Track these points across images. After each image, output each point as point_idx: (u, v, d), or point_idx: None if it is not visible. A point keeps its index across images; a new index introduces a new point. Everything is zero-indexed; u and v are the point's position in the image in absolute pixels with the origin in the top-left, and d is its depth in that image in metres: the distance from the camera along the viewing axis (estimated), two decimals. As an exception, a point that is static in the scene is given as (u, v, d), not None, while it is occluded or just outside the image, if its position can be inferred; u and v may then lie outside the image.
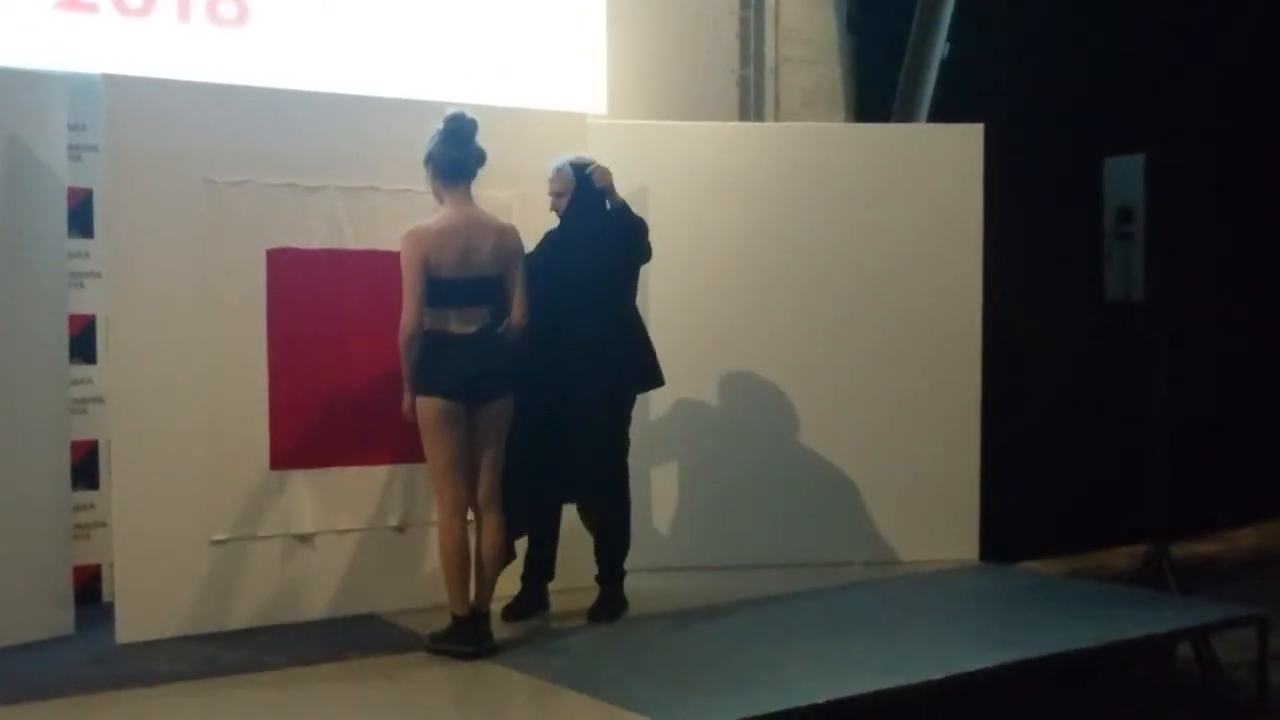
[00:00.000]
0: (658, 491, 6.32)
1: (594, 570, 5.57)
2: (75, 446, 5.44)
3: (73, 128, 5.38)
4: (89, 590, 5.64)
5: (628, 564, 5.60)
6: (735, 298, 6.45)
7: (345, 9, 5.97)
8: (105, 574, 5.64)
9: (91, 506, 5.72)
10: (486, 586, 4.99)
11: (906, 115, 7.40)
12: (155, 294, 5.13)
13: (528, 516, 5.39)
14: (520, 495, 5.18)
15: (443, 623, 4.99)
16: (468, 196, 5.00)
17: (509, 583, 5.35)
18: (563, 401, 5.32)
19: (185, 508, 5.17)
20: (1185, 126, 7.58)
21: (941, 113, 7.18)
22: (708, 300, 6.42)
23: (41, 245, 5.15)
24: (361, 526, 5.53)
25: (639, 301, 5.58)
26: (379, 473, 5.54)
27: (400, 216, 5.13)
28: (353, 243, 5.47)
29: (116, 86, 5.10)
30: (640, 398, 5.67)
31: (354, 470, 5.50)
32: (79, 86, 5.30)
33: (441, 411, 4.87)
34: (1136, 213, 6.02)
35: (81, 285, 5.66)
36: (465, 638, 4.91)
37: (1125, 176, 6.09)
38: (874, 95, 7.59)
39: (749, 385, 6.49)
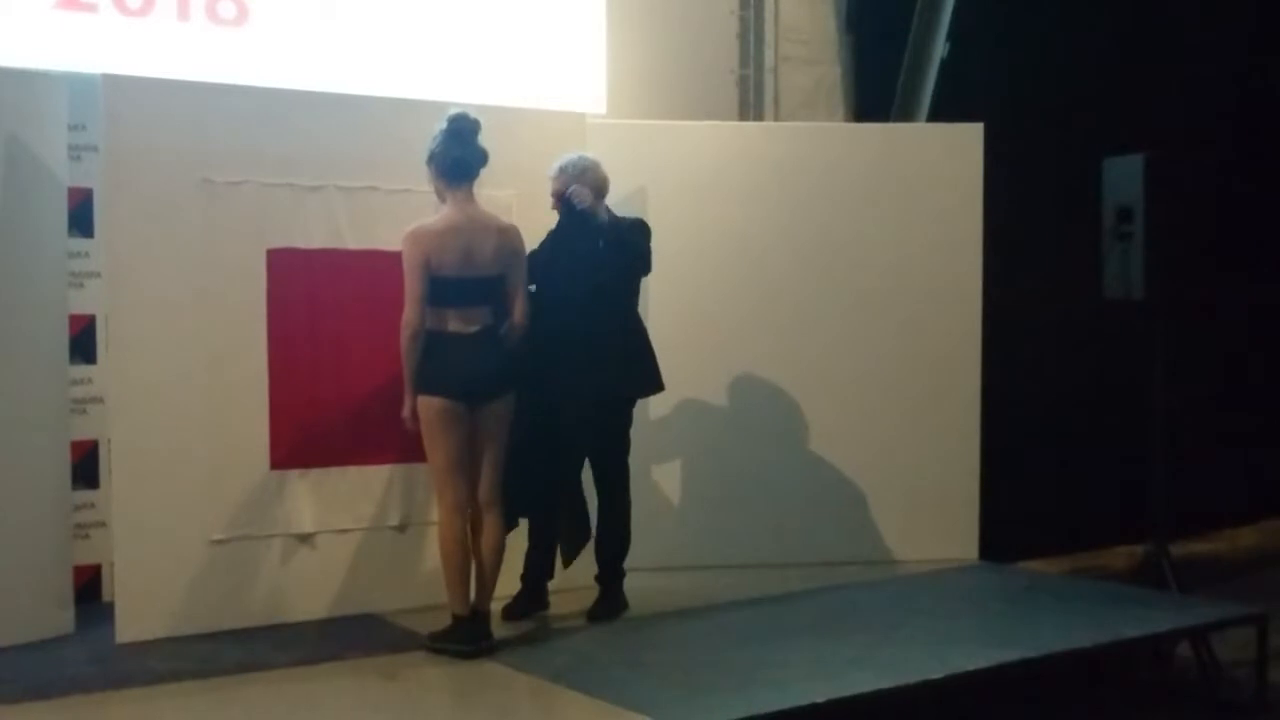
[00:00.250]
0: (658, 491, 6.31)
1: (594, 570, 5.57)
2: (75, 446, 5.45)
3: (72, 128, 5.38)
4: (89, 590, 5.64)
5: (628, 563, 5.60)
6: (735, 298, 6.45)
7: (345, 9, 5.97)
8: (105, 574, 5.64)
9: (91, 506, 5.72)
10: (486, 586, 4.99)
11: (906, 115, 7.40)
12: (155, 294, 5.13)
13: (521, 512, 5.40)
14: (517, 491, 5.18)
15: (442, 622, 4.99)
16: (470, 196, 5.00)
17: (509, 582, 5.36)
18: (562, 405, 5.32)
19: (185, 507, 5.17)
20: (1185, 126, 7.58)
21: (941, 112, 7.18)
22: (707, 300, 6.42)
23: (41, 245, 5.15)
24: (361, 526, 5.53)
25: (640, 301, 5.58)
26: (379, 473, 5.54)
27: (400, 216, 5.13)
28: (352, 243, 5.47)
29: (116, 86, 5.10)
30: (640, 398, 5.67)
31: (354, 470, 5.50)
32: (79, 86, 5.30)
33: (442, 411, 4.87)
34: (1135, 212, 6.02)
35: (81, 285, 5.66)
36: (465, 637, 4.91)
37: (1124, 176, 6.09)
38: (874, 95, 7.60)
39: (748, 385, 6.50)
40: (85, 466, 5.69)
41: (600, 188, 5.41)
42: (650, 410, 6.15)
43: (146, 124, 5.10)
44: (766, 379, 6.51)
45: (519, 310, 5.09)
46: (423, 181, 5.07)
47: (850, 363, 6.54)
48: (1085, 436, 7.82)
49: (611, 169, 5.46)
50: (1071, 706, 5.41)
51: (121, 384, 5.12)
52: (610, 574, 5.55)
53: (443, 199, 5.01)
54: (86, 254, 5.70)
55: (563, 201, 5.31)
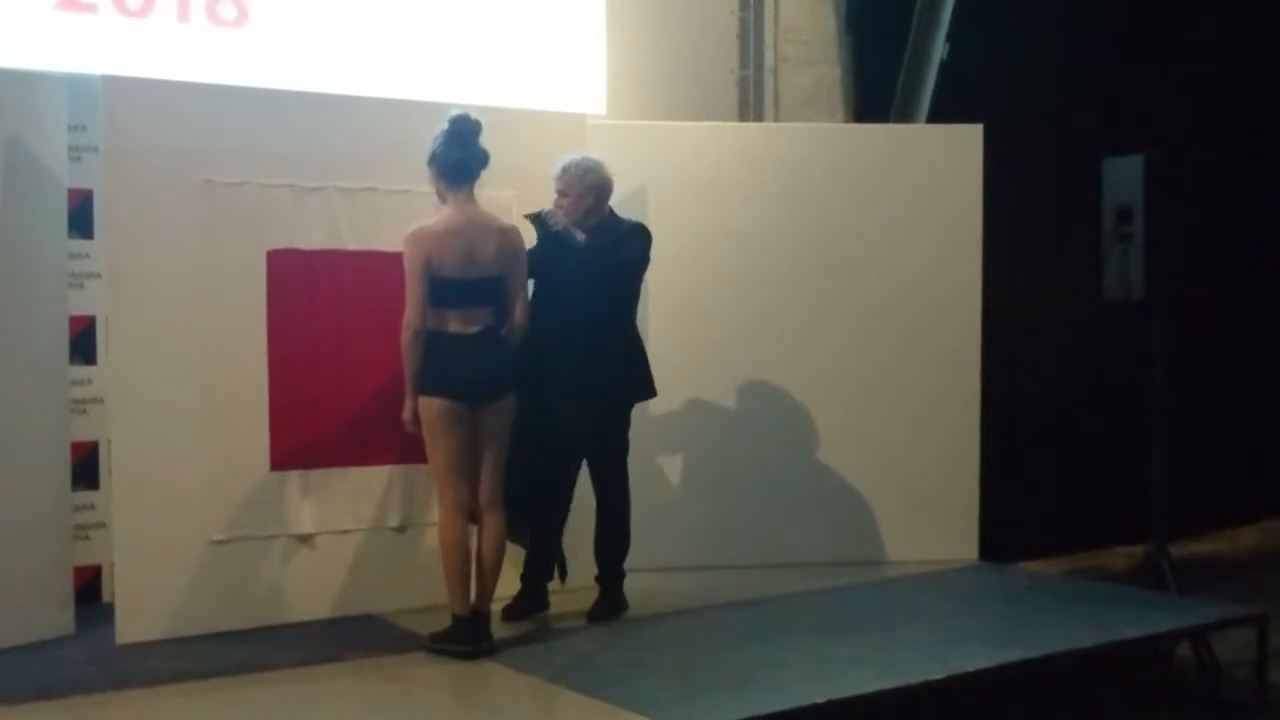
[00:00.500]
0: (658, 492, 6.31)
1: (594, 571, 5.57)
2: (75, 447, 5.45)
3: (73, 128, 5.39)
4: (89, 591, 5.64)
5: (628, 564, 5.61)
6: (735, 298, 6.45)
7: (345, 10, 5.96)
8: (105, 574, 5.65)
9: (92, 507, 5.72)
10: (487, 587, 5.00)
11: (906, 116, 7.40)
12: (155, 295, 5.13)
13: (527, 525, 5.41)
14: (516, 493, 5.19)
15: (442, 623, 4.99)
16: (470, 197, 5.00)
17: (509, 583, 5.36)
18: (557, 408, 5.33)
19: (185, 508, 5.17)
20: (1185, 126, 7.58)
21: (941, 113, 7.19)
22: (707, 301, 6.42)
23: (41, 246, 5.15)
24: (361, 527, 5.53)
25: (640, 303, 5.58)
26: (379, 473, 5.54)
27: (400, 217, 5.13)
28: (352, 244, 5.47)
29: (116, 87, 5.11)
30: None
31: (354, 471, 5.50)
32: (79, 87, 5.30)
33: (443, 412, 4.87)
34: (1135, 213, 6.02)
35: (81, 286, 5.66)
36: (465, 637, 4.91)
37: (1124, 176, 6.09)
38: (874, 96, 7.60)
39: (748, 386, 6.50)
40: (85, 467, 5.69)
41: (602, 189, 5.42)
42: (651, 411, 6.14)
43: (146, 125, 5.11)
44: (767, 380, 6.51)
45: (520, 311, 5.09)
46: (423, 182, 5.07)
47: (850, 363, 6.54)
48: (1085, 436, 7.82)
49: (612, 170, 5.46)
50: (1072, 707, 5.41)
51: (121, 385, 5.12)
52: (610, 575, 5.55)
53: (443, 200, 5.01)
54: (86, 255, 5.70)
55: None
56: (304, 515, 5.41)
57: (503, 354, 5.04)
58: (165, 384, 5.14)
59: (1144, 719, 5.48)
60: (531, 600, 5.49)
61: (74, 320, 5.45)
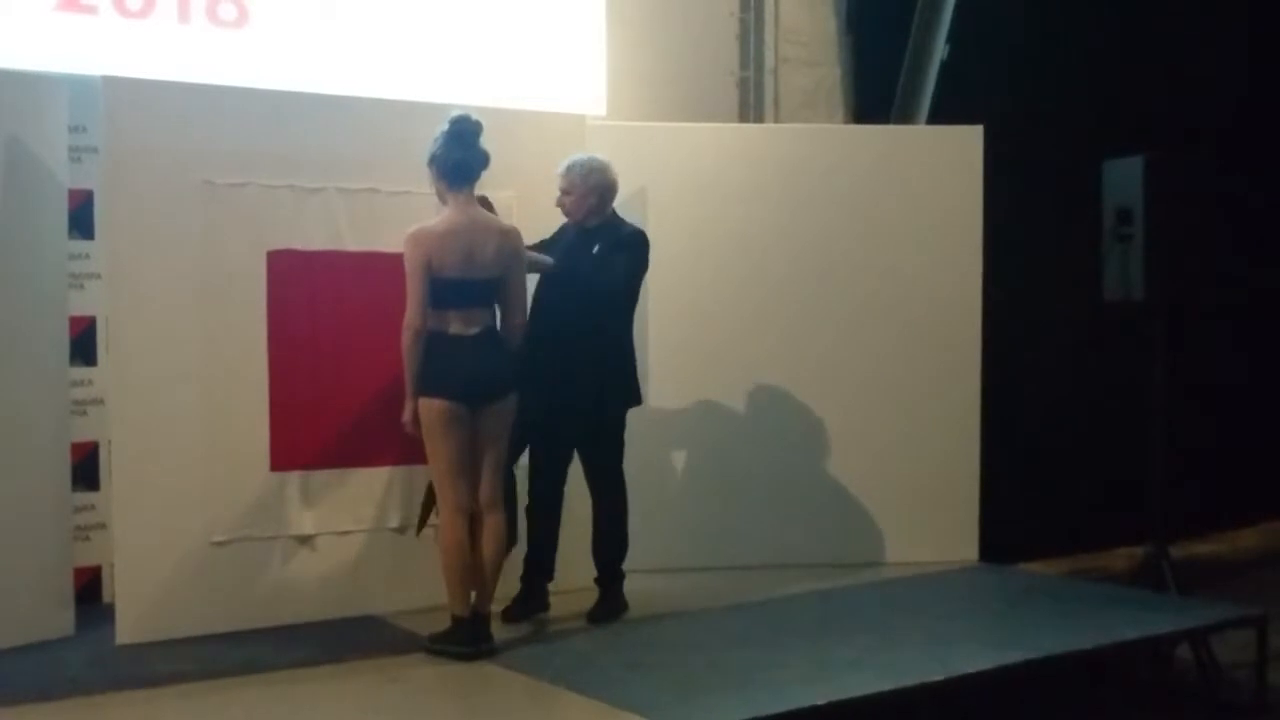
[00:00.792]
0: (657, 493, 6.31)
1: (593, 572, 5.57)
2: (75, 448, 5.45)
3: (73, 129, 5.39)
4: (89, 592, 5.64)
5: (627, 565, 5.61)
6: (735, 299, 6.45)
7: (345, 11, 5.97)
8: (106, 575, 5.65)
9: (92, 508, 5.72)
10: (487, 587, 5.00)
11: (906, 117, 7.40)
12: (156, 296, 5.13)
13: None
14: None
15: (442, 623, 4.99)
16: (471, 198, 5.00)
17: (509, 584, 5.36)
18: (548, 411, 5.35)
19: (185, 509, 5.18)
20: (1185, 126, 7.58)
21: (941, 114, 7.19)
22: (707, 301, 6.42)
23: (41, 247, 5.15)
24: (362, 528, 5.53)
25: (639, 301, 5.58)
26: (379, 474, 5.54)
27: (401, 218, 5.12)
28: (353, 244, 5.47)
29: (117, 88, 5.11)
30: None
31: (354, 472, 5.50)
32: (79, 88, 5.30)
33: (443, 412, 4.87)
34: (1135, 213, 6.02)
35: (82, 287, 5.66)
36: (465, 638, 4.91)
37: (1124, 177, 6.09)
38: (874, 96, 7.60)
39: (748, 387, 6.50)
40: (85, 468, 5.69)
41: (606, 191, 5.42)
42: (651, 411, 6.14)
43: (147, 126, 5.11)
44: (767, 380, 6.51)
45: (520, 312, 5.10)
46: (423, 183, 5.07)
47: (850, 364, 6.54)
48: (1085, 437, 7.82)
49: (618, 172, 5.46)
50: (1072, 708, 5.41)
51: (122, 385, 5.12)
52: (609, 576, 5.55)
53: (444, 201, 5.01)
54: (87, 255, 5.70)
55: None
56: (304, 516, 5.41)
57: (503, 355, 5.04)
58: (165, 385, 5.14)
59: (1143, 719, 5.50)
60: (531, 601, 5.49)
61: (74, 321, 5.45)
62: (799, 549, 6.46)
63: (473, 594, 4.96)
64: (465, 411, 4.91)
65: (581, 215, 5.42)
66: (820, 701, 4.38)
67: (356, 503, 5.51)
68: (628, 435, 5.55)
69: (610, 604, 5.52)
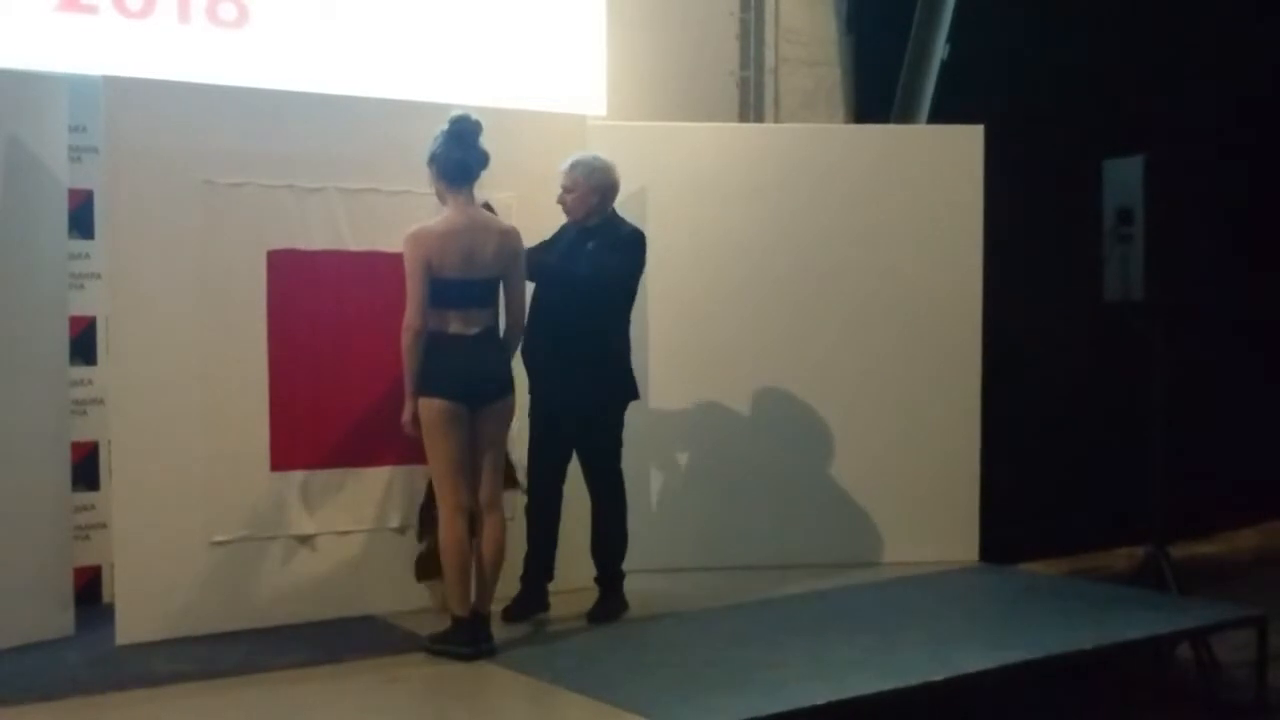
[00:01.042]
0: (657, 493, 6.32)
1: (593, 572, 5.57)
2: (75, 448, 5.45)
3: (73, 129, 5.39)
4: (89, 591, 5.64)
5: (628, 565, 5.61)
6: (735, 299, 6.45)
7: (345, 11, 5.97)
8: (105, 575, 5.65)
9: (92, 508, 5.72)
10: (487, 588, 5.00)
11: (906, 116, 7.40)
12: (156, 295, 5.13)
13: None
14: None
15: (442, 624, 4.99)
16: (471, 198, 5.00)
17: (509, 584, 5.36)
18: (544, 409, 5.38)
19: (185, 509, 5.17)
20: (1185, 126, 7.58)
21: (941, 114, 7.18)
22: (707, 301, 6.42)
23: (41, 247, 5.15)
24: (362, 528, 5.53)
25: (638, 301, 5.58)
26: (379, 474, 5.54)
27: (400, 218, 5.13)
28: (353, 244, 5.47)
29: (117, 88, 5.10)
30: (640, 398, 5.67)
31: (354, 472, 5.50)
32: (79, 88, 5.30)
33: (443, 412, 4.87)
34: (1136, 213, 6.02)
35: (82, 286, 5.66)
36: (465, 639, 4.91)
37: (1124, 177, 6.09)
38: (874, 96, 7.60)
39: (748, 387, 6.50)
40: (85, 468, 5.69)
41: (608, 191, 5.43)
42: (651, 411, 6.15)
43: (147, 125, 5.11)
44: (767, 380, 6.51)
45: (519, 312, 5.10)
46: (423, 183, 5.07)
47: (851, 364, 6.54)
48: (1085, 437, 7.82)
49: (620, 173, 5.46)
50: (1072, 708, 5.41)
51: (122, 385, 5.12)
52: (609, 575, 5.55)
53: (443, 201, 5.01)
54: (87, 255, 5.70)
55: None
56: (304, 516, 5.41)
57: (503, 355, 5.05)
58: (165, 384, 5.14)
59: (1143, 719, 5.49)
60: (531, 601, 5.49)
61: (74, 321, 5.45)
62: (799, 549, 6.46)
63: (473, 593, 4.97)
64: (465, 411, 4.91)
65: (582, 214, 5.42)
66: (820, 701, 4.38)
67: (356, 503, 5.51)
68: (627, 435, 5.56)
69: (610, 604, 5.52)
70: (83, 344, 5.68)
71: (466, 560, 4.95)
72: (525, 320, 5.17)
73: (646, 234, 5.55)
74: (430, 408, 4.88)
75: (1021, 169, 7.11)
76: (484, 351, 4.96)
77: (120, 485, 5.12)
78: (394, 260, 4.98)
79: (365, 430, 5.46)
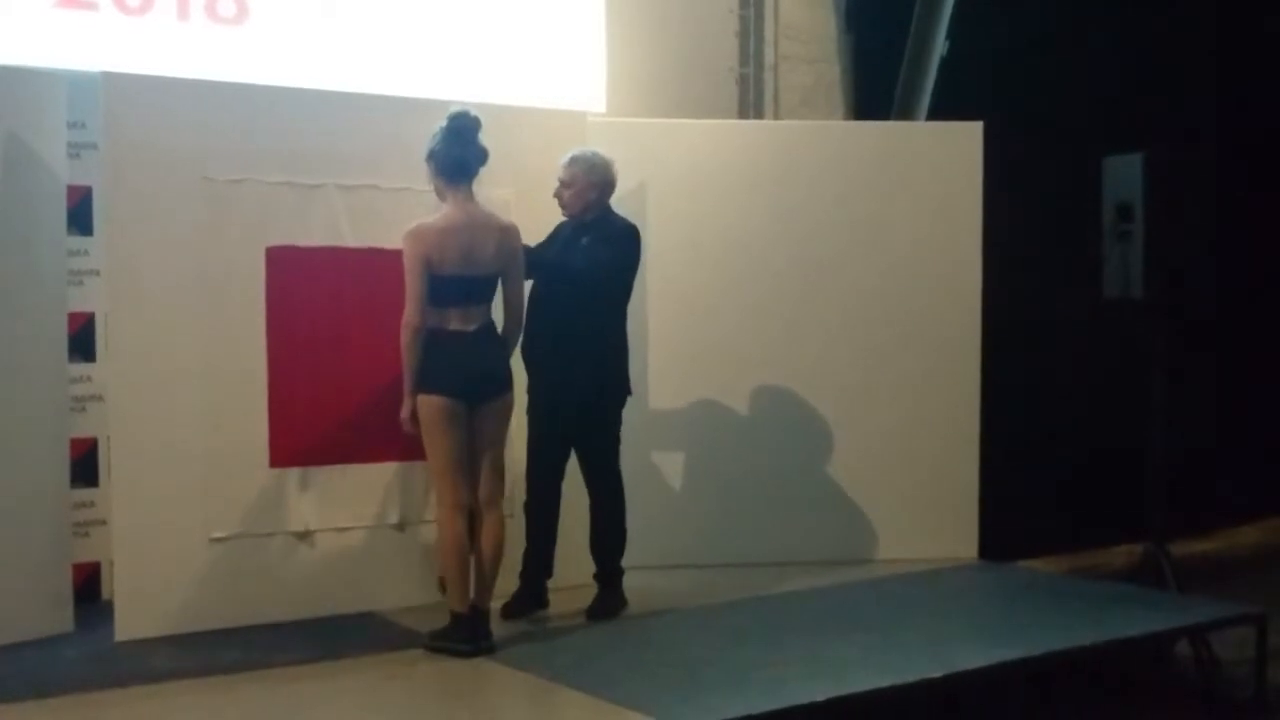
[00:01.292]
0: (656, 490, 6.31)
1: (592, 568, 5.57)
2: (74, 444, 5.44)
3: (72, 125, 5.37)
4: (88, 588, 5.64)
5: (627, 562, 5.60)
6: (734, 296, 6.45)
7: (344, 7, 5.97)
8: (105, 572, 5.64)
9: (91, 504, 5.72)
10: (486, 585, 4.99)
11: (906, 113, 7.39)
12: (155, 292, 5.13)
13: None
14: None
15: (442, 621, 4.99)
16: (470, 195, 4.99)
17: (508, 581, 5.35)
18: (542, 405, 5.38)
19: (185, 505, 5.17)
20: (1185, 125, 7.58)
21: (941, 111, 7.18)
22: (706, 298, 6.42)
23: (40, 243, 5.14)
24: (361, 524, 5.53)
25: (637, 298, 5.58)
26: (378, 471, 5.54)
27: (400, 215, 5.13)
28: (352, 241, 5.47)
29: (116, 84, 5.10)
30: (638, 395, 5.67)
31: (353, 468, 5.50)
32: (78, 84, 5.30)
33: (442, 409, 4.87)
34: (1135, 210, 6.02)
35: (81, 283, 5.65)
36: (464, 636, 4.91)
37: (1124, 174, 6.08)
38: (873, 93, 7.59)
39: (747, 384, 6.49)
40: (85, 464, 5.69)
41: (606, 187, 5.43)
42: (649, 408, 6.15)
43: (146, 122, 5.10)
44: (765, 377, 6.51)
45: (518, 308, 5.10)
46: (423, 180, 5.06)
47: (849, 361, 6.54)
48: (1085, 435, 7.82)
49: (618, 169, 5.46)
50: (1071, 705, 5.41)
51: (121, 382, 5.12)
52: (608, 572, 5.55)
53: (442, 197, 5.00)
54: (86, 252, 5.69)
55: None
56: (303, 513, 5.41)
57: (502, 352, 5.05)
58: (164, 381, 5.14)
59: (1143, 718, 5.48)
60: (530, 598, 5.49)
61: (73, 317, 5.45)
62: (798, 546, 6.46)
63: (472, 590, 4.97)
64: (464, 408, 4.91)
65: (579, 210, 5.42)
66: (819, 698, 4.38)
67: (355, 499, 5.51)
68: (625, 432, 5.56)
69: (609, 601, 5.52)
70: (82, 340, 5.68)
71: (465, 557, 4.95)
72: (524, 317, 5.16)
73: (646, 230, 5.55)
74: (429, 405, 4.87)
75: (1021, 166, 7.11)
76: (483, 348, 4.96)
77: (119, 482, 5.12)
78: (393, 257, 4.97)
79: (364, 427, 5.46)
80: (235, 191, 5.25)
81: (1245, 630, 5.47)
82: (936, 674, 4.67)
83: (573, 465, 5.53)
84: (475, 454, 4.97)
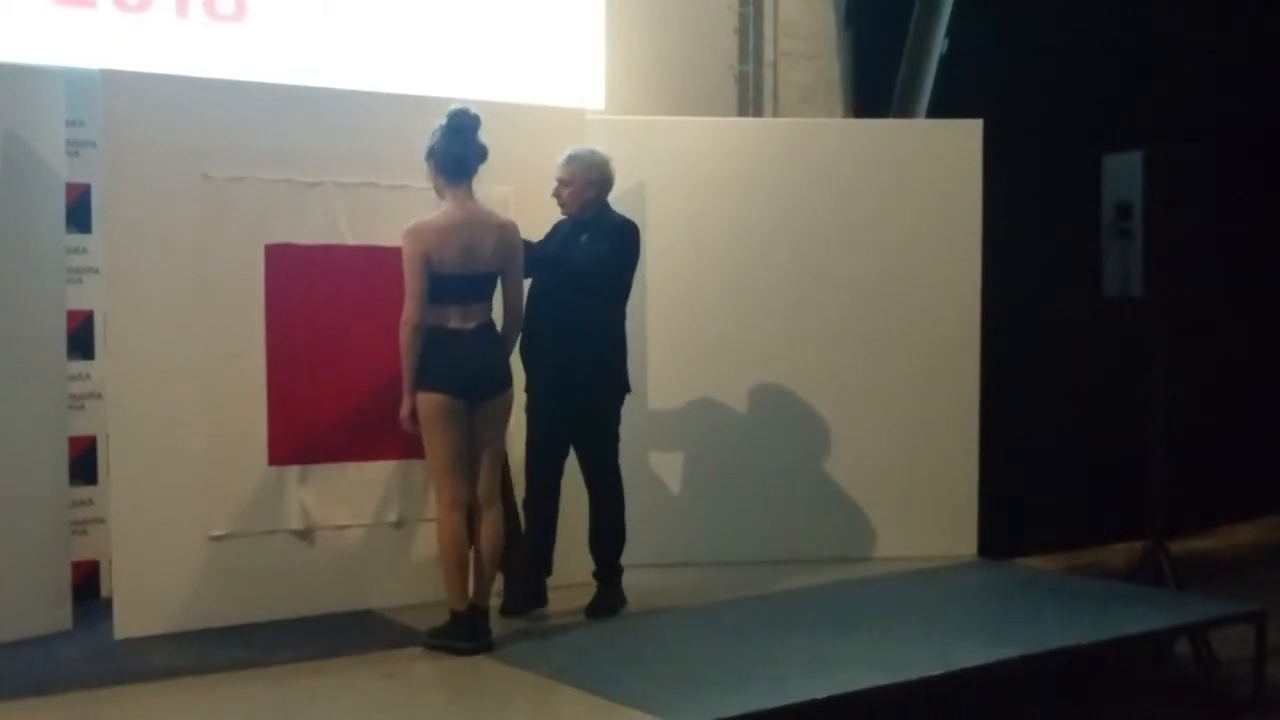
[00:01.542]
0: (655, 488, 6.31)
1: (592, 566, 5.56)
2: (73, 442, 5.44)
3: (71, 123, 5.37)
4: (87, 586, 5.64)
5: (626, 560, 5.60)
6: (733, 293, 6.45)
7: (344, 5, 5.96)
8: (103, 570, 5.64)
9: (90, 502, 5.71)
10: (485, 582, 4.99)
11: (905, 111, 7.39)
12: (153, 290, 5.13)
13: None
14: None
15: (441, 618, 4.99)
16: (469, 193, 4.99)
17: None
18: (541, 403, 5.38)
19: (184, 503, 5.17)
20: (1185, 124, 7.57)
21: (940, 108, 7.18)
22: (706, 296, 6.42)
23: (39, 241, 5.14)
24: (360, 522, 5.53)
25: (637, 296, 5.57)
26: (377, 468, 5.54)
27: (399, 212, 5.13)
28: (351, 238, 5.46)
29: (114, 82, 5.10)
30: (638, 393, 5.67)
31: (352, 466, 5.49)
32: (77, 82, 5.29)
33: (441, 407, 4.86)
34: (1135, 209, 6.01)
35: (79, 281, 5.65)
36: (463, 633, 4.91)
37: (1124, 172, 6.08)
38: (873, 91, 7.59)
39: (747, 382, 6.49)
40: (83, 462, 5.69)
41: (604, 185, 5.43)
42: (648, 406, 6.15)
43: (145, 120, 5.10)
44: (765, 375, 6.50)
45: (518, 306, 5.09)
46: (422, 178, 5.06)
47: (849, 359, 6.54)
48: (1084, 433, 7.82)
49: (616, 167, 5.45)
50: (1070, 703, 5.41)
51: (120, 380, 5.11)
52: (608, 570, 5.55)
53: (441, 195, 5.00)
54: (85, 250, 5.69)
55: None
56: (302, 510, 5.41)
57: (501, 350, 5.04)
58: (163, 379, 5.13)
59: (1142, 716, 5.48)
60: (530, 596, 5.48)
61: (72, 315, 5.44)
62: (798, 544, 6.46)
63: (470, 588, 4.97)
64: (463, 406, 4.90)
65: (577, 208, 5.42)
66: (819, 696, 4.38)
67: (354, 497, 5.50)
68: (625, 429, 5.55)
69: (608, 599, 5.52)
70: (80, 338, 5.68)
71: (464, 555, 4.95)
72: (523, 315, 5.16)
73: (645, 228, 5.55)
74: (428, 402, 4.87)
75: (1020, 164, 7.11)
76: (483, 346, 4.96)
77: (118, 480, 5.11)
78: (392, 255, 4.97)
79: (363, 425, 5.45)
80: (234, 189, 5.25)
81: (1244, 628, 5.47)
82: (936, 672, 4.67)
83: (572, 463, 5.53)
84: (474, 452, 4.97)
